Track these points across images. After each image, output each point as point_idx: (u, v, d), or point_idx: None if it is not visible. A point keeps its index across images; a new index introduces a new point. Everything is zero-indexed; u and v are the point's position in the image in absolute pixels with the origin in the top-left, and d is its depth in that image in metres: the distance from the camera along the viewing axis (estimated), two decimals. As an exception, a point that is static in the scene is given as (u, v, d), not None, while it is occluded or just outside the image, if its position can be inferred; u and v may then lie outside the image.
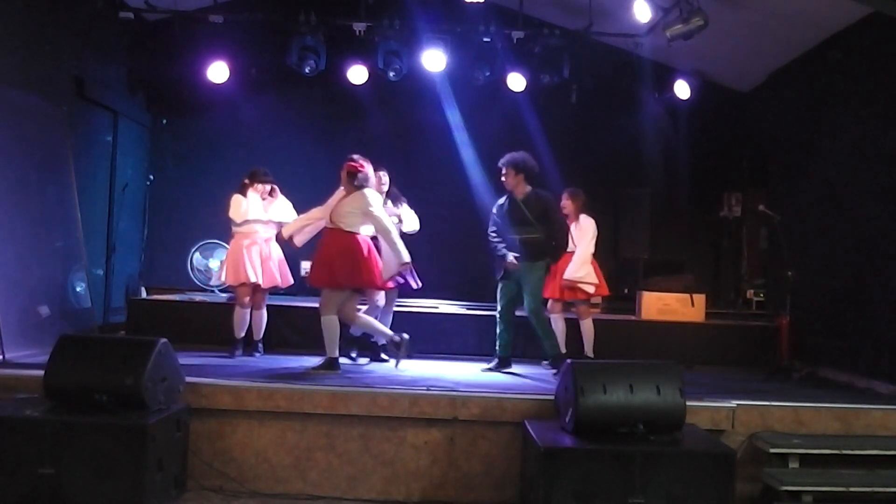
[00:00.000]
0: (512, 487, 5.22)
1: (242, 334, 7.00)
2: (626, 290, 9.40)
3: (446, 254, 9.13)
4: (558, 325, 7.17)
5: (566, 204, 7.26)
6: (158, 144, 9.99)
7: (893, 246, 6.51)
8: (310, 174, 8.61)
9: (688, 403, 4.80)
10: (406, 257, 6.42)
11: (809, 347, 7.59)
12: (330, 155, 7.95)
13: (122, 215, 9.00)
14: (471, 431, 5.29)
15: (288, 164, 8.56)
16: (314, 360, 6.40)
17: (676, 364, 5.00)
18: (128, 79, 9.29)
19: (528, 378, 6.42)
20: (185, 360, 5.46)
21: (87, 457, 4.40)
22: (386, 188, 7.10)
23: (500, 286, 6.77)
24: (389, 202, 7.09)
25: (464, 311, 8.35)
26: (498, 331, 6.79)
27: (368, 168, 6.45)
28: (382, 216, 6.38)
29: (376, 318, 6.85)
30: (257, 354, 7.07)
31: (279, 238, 6.97)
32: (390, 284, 6.75)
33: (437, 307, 8.44)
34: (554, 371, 6.58)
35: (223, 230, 7.62)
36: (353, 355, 6.97)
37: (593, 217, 7.34)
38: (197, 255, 9.18)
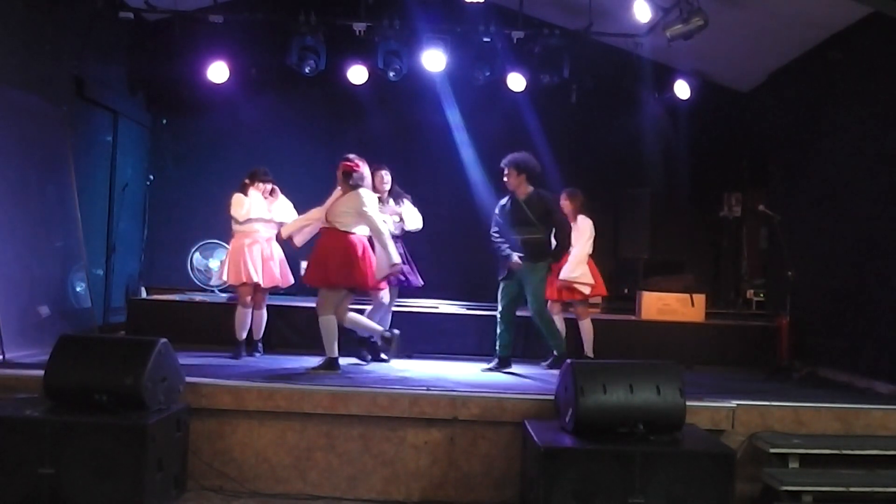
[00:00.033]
0: (512, 487, 5.21)
1: (245, 335, 6.98)
2: (626, 290, 9.40)
3: (446, 254, 9.13)
4: (558, 325, 7.17)
5: (564, 204, 7.26)
6: (158, 144, 9.99)
7: (893, 246, 6.51)
8: (310, 174, 8.59)
9: (688, 403, 4.80)
10: (397, 259, 6.39)
11: (809, 347, 7.59)
12: (330, 155, 7.91)
13: (122, 215, 9.00)
14: (471, 431, 5.28)
15: (288, 164, 8.56)
16: (314, 360, 6.39)
17: (676, 364, 5.00)
18: (128, 79, 9.30)
19: (528, 378, 6.41)
20: (185, 360, 5.46)
21: (87, 457, 4.40)
22: (388, 187, 7.09)
23: (501, 286, 6.77)
24: (392, 201, 7.09)
25: (464, 311, 8.35)
26: (498, 331, 6.78)
27: (364, 168, 6.44)
28: (376, 216, 6.35)
29: (381, 317, 6.84)
30: (257, 354, 7.07)
31: (278, 238, 6.97)
32: (382, 285, 6.73)
33: (437, 307, 8.43)
34: (547, 365, 6.73)
35: (223, 230, 7.62)
36: (369, 358, 6.86)
37: (593, 217, 7.35)
38: (197, 255, 9.18)
